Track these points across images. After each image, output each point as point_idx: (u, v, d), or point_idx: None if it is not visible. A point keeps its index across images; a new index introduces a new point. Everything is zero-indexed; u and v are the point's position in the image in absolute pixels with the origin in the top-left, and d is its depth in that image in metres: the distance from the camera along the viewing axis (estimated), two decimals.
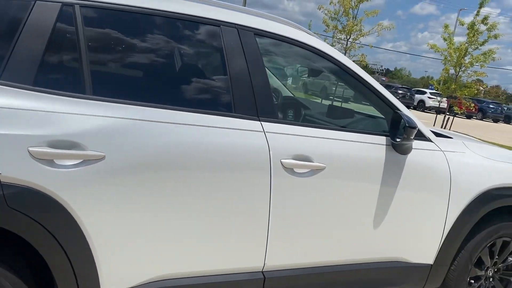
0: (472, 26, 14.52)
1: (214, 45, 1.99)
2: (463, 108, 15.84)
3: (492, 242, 2.73)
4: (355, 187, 2.20)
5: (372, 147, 2.24)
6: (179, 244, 1.85)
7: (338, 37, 13.55)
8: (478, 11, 14.44)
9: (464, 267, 2.64)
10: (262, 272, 2.07)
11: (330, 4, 13.06)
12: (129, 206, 1.70)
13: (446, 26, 14.98)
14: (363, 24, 13.22)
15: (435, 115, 17.26)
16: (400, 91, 30.87)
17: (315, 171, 2.07)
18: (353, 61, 11.70)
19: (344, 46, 13.38)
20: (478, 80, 15.98)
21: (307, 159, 2.04)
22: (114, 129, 1.66)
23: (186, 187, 1.80)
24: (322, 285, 2.26)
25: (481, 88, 15.00)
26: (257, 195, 1.95)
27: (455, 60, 14.63)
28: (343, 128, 2.30)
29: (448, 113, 16.97)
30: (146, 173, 1.72)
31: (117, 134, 1.66)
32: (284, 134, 2.02)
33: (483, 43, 14.57)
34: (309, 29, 16.81)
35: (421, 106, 31.12)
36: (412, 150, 2.35)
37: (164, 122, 1.76)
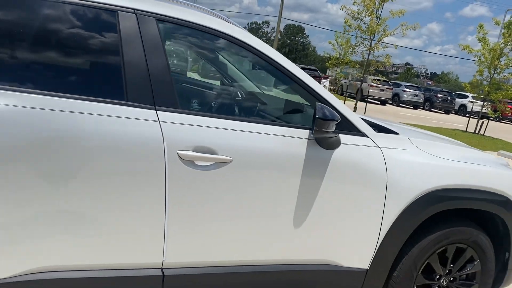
0: (508, 25, 13.78)
1: (109, 30, 1.92)
2: (499, 112, 15.04)
3: (442, 248, 2.51)
4: (268, 183, 2.07)
5: (291, 140, 2.10)
6: (62, 234, 1.79)
7: (361, 37, 13.21)
8: None
9: (408, 274, 2.43)
10: (162, 269, 1.98)
11: (353, 4, 12.77)
12: None
13: (481, 26, 14.31)
14: (388, 24, 12.80)
15: (468, 118, 16.48)
16: (440, 95, 29.84)
17: (220, 164, 1.96)
18: (377, 61, 11.38)
19: (368, 46, 13.01)
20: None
21: (210, 151, 1.94)
22: None
23: (68, 177, 1.74)
24: (235, 286, 2.14)
25: None
26: (149, 187, 1.87)
27: (489, 62, 13.91)
28: (259, 120, 2.17)
29: (492, 118, 16.20)
30: (18, 163, 1.67)
31: None
32: (185, 124, 1.92)
33: None
34: (344, 30, 16.46)
35: (462, 111, 29.90)
36: (341, 145, 2.19)
37: (43, 109, 1.71)
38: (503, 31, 13.81)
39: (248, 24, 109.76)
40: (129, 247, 1.91)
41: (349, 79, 28.76)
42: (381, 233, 2.31)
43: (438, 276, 2.56)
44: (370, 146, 2.28)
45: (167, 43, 2.04)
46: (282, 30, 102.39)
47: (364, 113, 14.33)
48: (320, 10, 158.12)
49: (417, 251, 2.42)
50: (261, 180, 2.05)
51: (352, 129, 2.27)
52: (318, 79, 27.44)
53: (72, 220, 1.79)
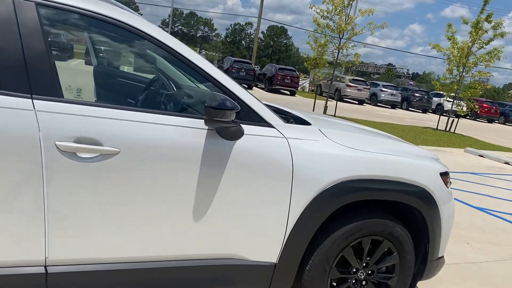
0: (476, 24, 13.96)
1: None
2: (468, 110, 15.24)
3: (356, 241, 2.46)
4: (162, 175, 1.99)
5: (187, 131, 2.03)
6: None
7: (331, 36, 13.20)
8: (483, 9, 13.88)
9: (320, 268, 2.38)
10: (45, 266, 1.88)
11: (323, 3, 12.77)
12: None
13: (449, 25, 14.48)
14: (357, 23, 12.83)
15: (439, 116, 16.70)
16: (417, 94, 30.17)
17: (106, 155, 1.87)
18: (348, 61, 11.32)
19: (337, 45, 13.03)
20: (481, 81, 15.30)
21: (95, 142, 1.85)
22: None
23: None
24: (128, 283, 2.05)
25: (489, 86, 14.46)
26: (25, 181, 1.77)
27: (458, 60, 14.07)
28: (154, 110, 2.08)
29: (468, 116, 16.35)
30: None
31: None
32: (65, 114, 1.83)
33: (488, 42, 13.99)
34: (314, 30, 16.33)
35: (439, 110, 30.24)
36: (245, 136, 2.12)
37: None
38: (470, 29, 13.97)
39: (231, 26, 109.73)
40: (8, 244, 1.82)
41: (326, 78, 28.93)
42: (288, 226, 2.25)
43: (354, 270, 2.52)
44: (276, 137, 2.22)
45: (50, 29, 1.94)
46: (265, 32, 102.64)
47: (335, 113, 14.35)
48: (304, 11, 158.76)
49: (329, 244, 2.37)
50: (154, 172, 1.97)
51: (257, 120, 2.21)
52: (297, 79, 27.47)
53: None
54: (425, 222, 2.60)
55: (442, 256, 2.82)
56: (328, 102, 14.85)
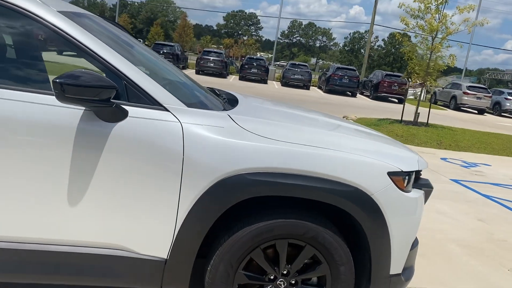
0: None
1: None
2: None
3: (268, 243, 2.14)
4: (26, 155, 1.93)
5: (57, 110, 1.94)
6: None
7: (422, 36, 12.06)
8: None
9: (222, 270, 2.12)
10: None
11: (414, 1, 11.73)
12: None
13: None
14: (453, 21, 11.53)
15: None
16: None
17: None
18: (441, 63, 10.20)
19: (430, 45, 11.83)
20: None
21: None
22: None
23: None
24: (6, 262, 2.04)
25: None
26: None
27: None
28: (23, 87, 2.00)
29: None
30: None
31: None
32: None
33: None
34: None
35: None
36: (129, 118, 1.99)
37: None
38: None
39: (349, 34, 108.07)
40: None
41: (443, 86, 26.69)
42: (178, 220, 2.04)
43: (272, 277, 2.20)
44: (167, 121, 2.03)
45: None
46: (386, 39, 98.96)
47: (427, 121, 12.98)
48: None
49: (231, 243, 2.10)
50: (17, 151, 1.93)
51: (149, 102, 2.05)
52: (403, 85, 25.77)
53: None
54: (364, 230, 2.17)
55: (399, 274, 2.32)
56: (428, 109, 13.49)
